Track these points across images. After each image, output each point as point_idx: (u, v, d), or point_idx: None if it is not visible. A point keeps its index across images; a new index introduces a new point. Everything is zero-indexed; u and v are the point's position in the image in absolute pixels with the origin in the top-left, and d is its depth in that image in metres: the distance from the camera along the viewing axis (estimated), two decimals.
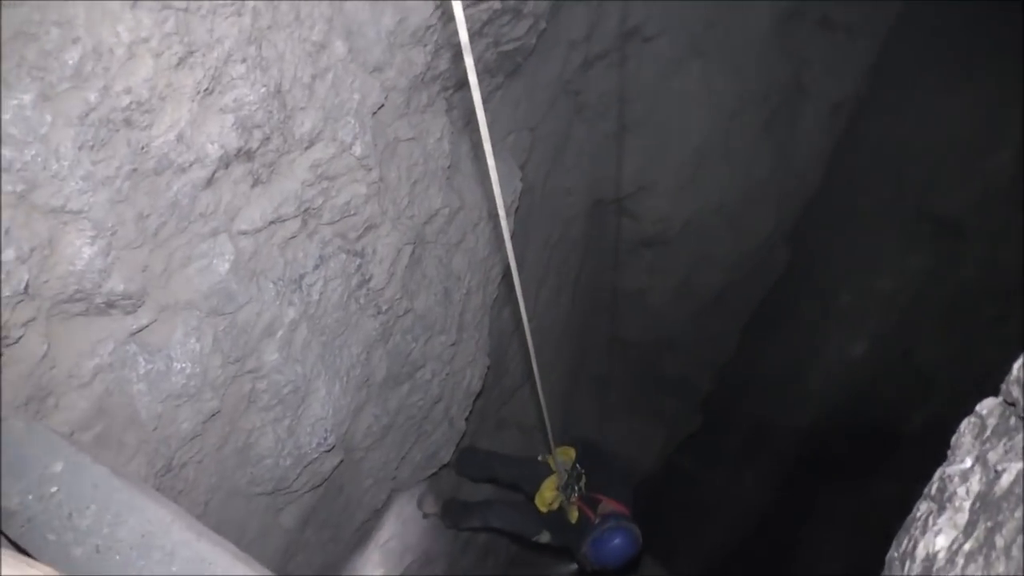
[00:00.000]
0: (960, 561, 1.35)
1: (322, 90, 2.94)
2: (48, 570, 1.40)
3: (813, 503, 13.64)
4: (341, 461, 3.81)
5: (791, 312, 12.28)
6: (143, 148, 2.30)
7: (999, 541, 1.26)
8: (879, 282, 11.99)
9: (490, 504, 5.75)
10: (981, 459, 1.47)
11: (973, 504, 1.42)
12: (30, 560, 1.45)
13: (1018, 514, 1.26)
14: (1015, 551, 1.22)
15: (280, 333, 3.12)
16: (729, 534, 13.59)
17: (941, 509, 1.49)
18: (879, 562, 1.73)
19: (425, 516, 5.70)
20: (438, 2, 3.39)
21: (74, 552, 1.93)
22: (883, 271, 11.88)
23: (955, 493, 1.47)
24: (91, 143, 2.14)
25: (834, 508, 13.27)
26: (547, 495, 5.14)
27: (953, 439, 1.61)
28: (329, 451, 3.58)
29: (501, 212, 2.33)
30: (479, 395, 5.32)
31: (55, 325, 2.29)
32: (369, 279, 3.60)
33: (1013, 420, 1.45)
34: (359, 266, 3.51)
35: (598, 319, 8.89)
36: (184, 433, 2.80)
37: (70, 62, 2.03)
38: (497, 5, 3.97)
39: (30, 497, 2.02)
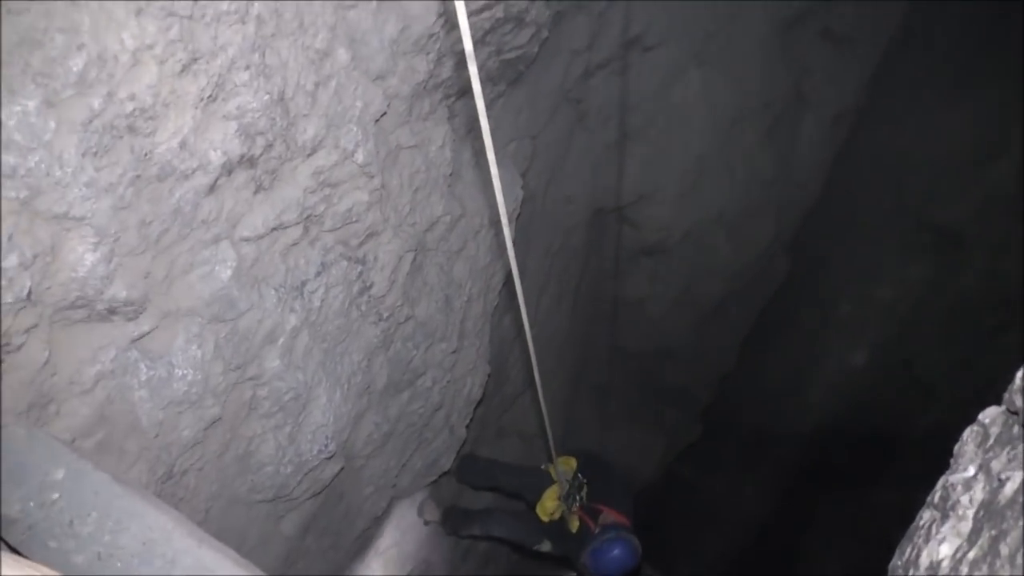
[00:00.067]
0: (964, 569, 1.35)
1: (325, 97, 2.95)
2: (49, 571, 1.40)
3: (813, 512, 13.62)
4: (342, 468, 3.81)
5: (791, 321, 12.27)
6: (146, 155, 2.31)
7: (1003, 549, 1.26)
8: (879, 292, 11.98)
9: (491, 512, 5.74)
10: (984, 467, 1.46)
11: (977, 512, 1.41)
12: (31, 563, 1.45)
13: (1022, 522, 1.26)
14: (1020, 559, 1.22)
15: (281, 340, 3.12)
16: (729, 543, 13.55)
17: (944, 517, 1.49)
18: (879, 571, 1.73)
19: (426, 523, 5.69)
20: (441, 11, 3.40)
21: (75, 559, 1.93)
22: (883, 281, 11.87)
23: (958, 501, 1.47)
24: (94, 149, 2.15)
25: (834, 517, 13.24)
26: (549, 505, 5.14)
27: (956, 447, 1.61)
28: (330, 458, 3.57)
29: (504, 220, 2.33)
30: (480, 403, 5.32)
31: (57, 332, 2.29)
32: (370, 286, 3.61)
33: (1016, 429, 1.45)
34: (360, 273, 3.51)
35: (599, 328, 8.88)
36: (185, 440, 2.80)
37: (74, 69, 2.04)
38: (500, 13, 3.99)
39: (31, 504, 2.02)
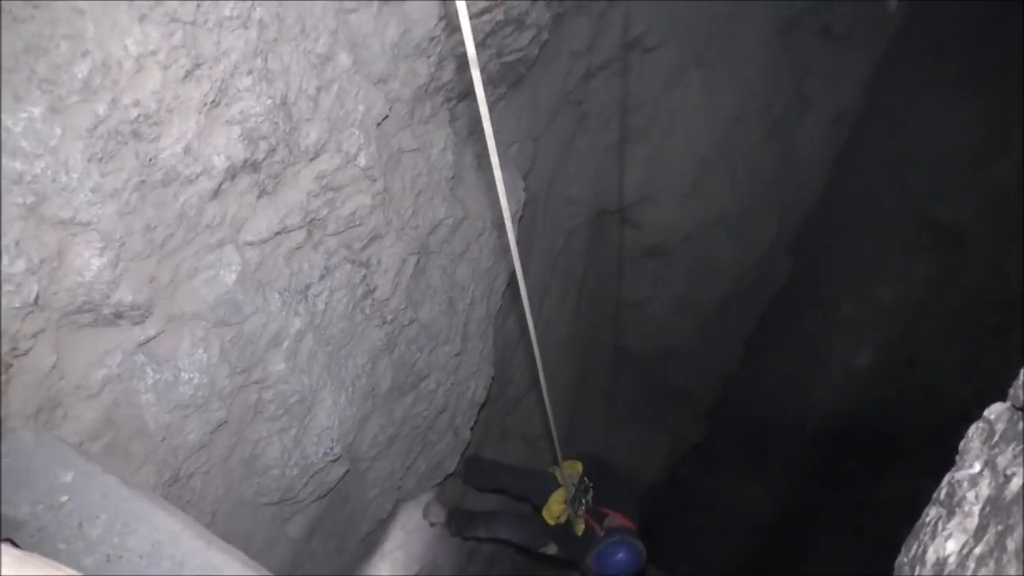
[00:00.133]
0: (971, 565, 1.35)
1: (327, 102, 2.96)
2: (67, 570, 1.41)
3: (817, 512, 13.60)
4: (347, 471, 3.81)
5: (794, 322, 12.27)
6: (151, 160, 2.32)
7: (1010, 545, 1.26)
8: (882, 292, 11.99)
9: (496, 515, 5.75)
10: (990, 464, 1.47)
11: (983, 508, 1.42)
12: (50, 561, 1.46)
13: None
14: None
15: (286, 343, 3.13)
16: (734, 543, 13.54)
17: (951, 514, 1.49)
18: (884, 570, 1.73)
19: (431, 525, 5.70)
20: (442, 14, 3.41)
21: (85, 561, 1.94)
22: (885, 281, 11.88)
23: (964, 498, 1.47)
24: (100, 155, 2.16)
25: (838, 517, 13.23)
26: (555, 508, 5.14)
27: (961, 444, 1.62)
28: (335, 461, 3.58)
29: (507, 222, 2.34)
30: (484, 405, 5.32)
31: (64, 336, 2.30)
32: (374, 289, 3.61)
33: (1021, 425, 1.46)
34: (364, 276, 3.52)
35: (601, 329, 8.88)
36: (192, 443, 2.81)
37: (79, 75, 2.05)
38: (500, 16, 3.99)
39: (40, 507, 2.03)
